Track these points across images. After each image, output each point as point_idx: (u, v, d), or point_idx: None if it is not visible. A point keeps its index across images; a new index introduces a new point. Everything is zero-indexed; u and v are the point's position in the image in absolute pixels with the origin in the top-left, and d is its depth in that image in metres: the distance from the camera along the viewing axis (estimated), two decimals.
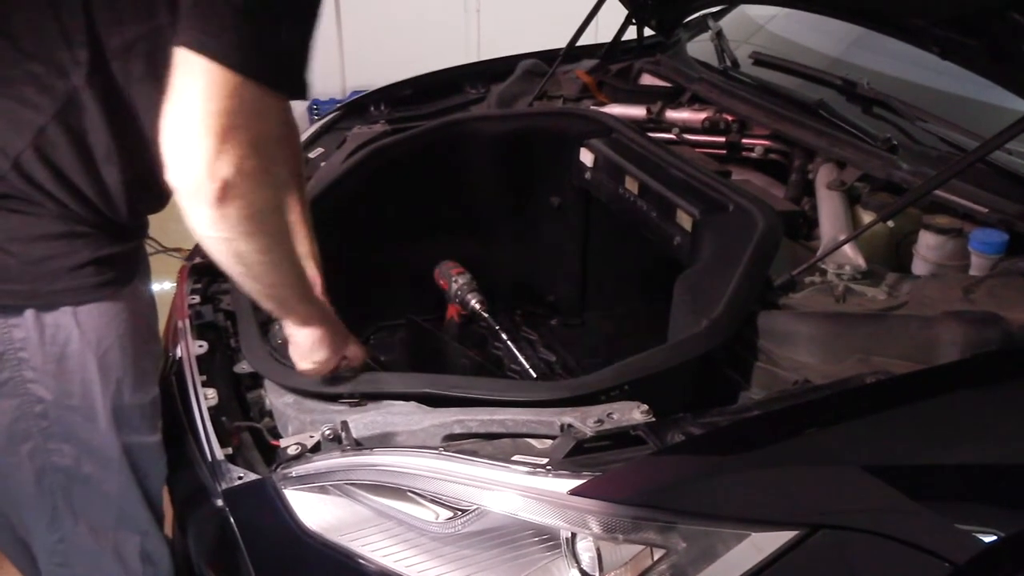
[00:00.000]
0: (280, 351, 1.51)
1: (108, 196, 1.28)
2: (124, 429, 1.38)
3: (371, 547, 1.19)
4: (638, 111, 2.28)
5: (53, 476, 1.38)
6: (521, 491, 1.12)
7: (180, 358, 1.63)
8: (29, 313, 1.28)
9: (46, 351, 1.31)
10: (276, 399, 1.46)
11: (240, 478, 1.35)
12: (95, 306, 1.31)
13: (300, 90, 1.16)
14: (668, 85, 2.38)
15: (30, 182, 1.23)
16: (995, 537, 1.14)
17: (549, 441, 1.24)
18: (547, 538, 1.12)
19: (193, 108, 1.05)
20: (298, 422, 1.40)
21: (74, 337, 1.31)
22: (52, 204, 1.25)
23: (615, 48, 2.58)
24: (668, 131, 2.23)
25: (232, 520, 1.31)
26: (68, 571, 1.46)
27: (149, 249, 1.54)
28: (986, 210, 1.63)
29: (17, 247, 1.25)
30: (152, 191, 1.31)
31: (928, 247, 1.63)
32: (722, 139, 2.16)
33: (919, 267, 1.65)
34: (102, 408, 1.35)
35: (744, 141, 2.13)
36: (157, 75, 1.16)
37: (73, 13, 1.20)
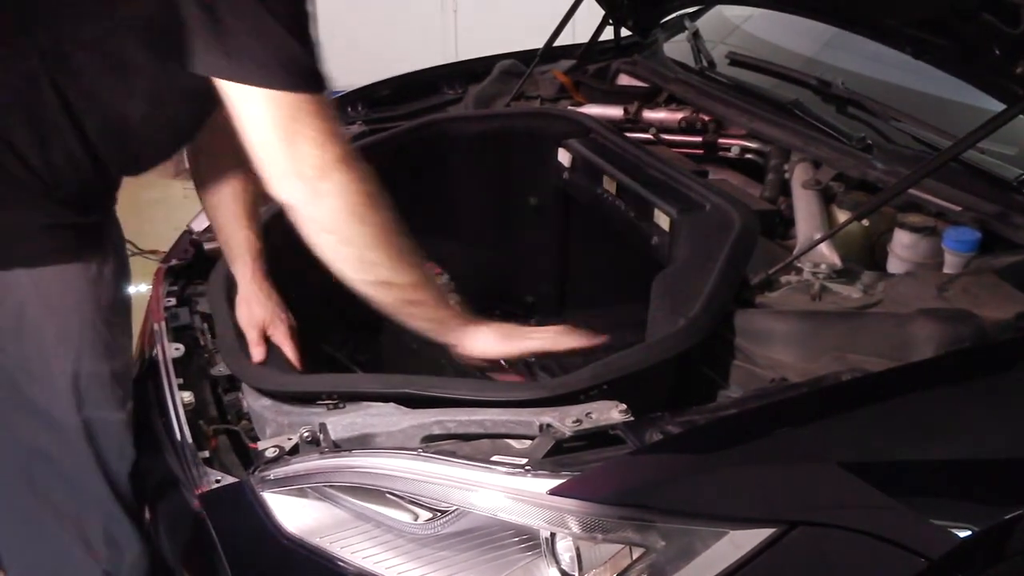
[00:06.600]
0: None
1: (55, 173, 1.29)
2: (84, 401, 1.37)
3: (350, 549, 1.19)
4: (615, 111, 2.29)
5: (12, 450, 1.37)
6: (500, 491, 1.12)
7: (156, 361, 1.62)
8: None
9: (4, 314, 1.30)
10: (253, 402, 1.45)
11: (218, 481, 1.34)
12: (52, 271, 1.31)
13: (322, 83, 1.25)
14: (645, 85, 2.39)
15: None
16: (969, 532, 1.16)
17: (528, 441, 1.24)
18: (527, 538, 1.12)
19: (254, 130, 1.22)
20: (276, 424, 1.39)
21: (31, 301, 1.30)
22: (2, 172, 1.26)
23: (592, 48, 2.58)
24: (645, 131, 2.24)
25: (209, 523, 1.30)
26: (31, 548, 1.45)
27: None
28: (959, 208, 1.65)
29: None
30: (99, 176, 1.33)
31: (902, 245, 1.64)
32: (699, 139, 2.17)
33: (894, 265, 1.66)
34: (60, 375, 1.34)
35: (720, 141, 2.14)
36: (114, 68, 1.25)
37: (38, 2, 1.24)
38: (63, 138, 1.27)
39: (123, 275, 1.47)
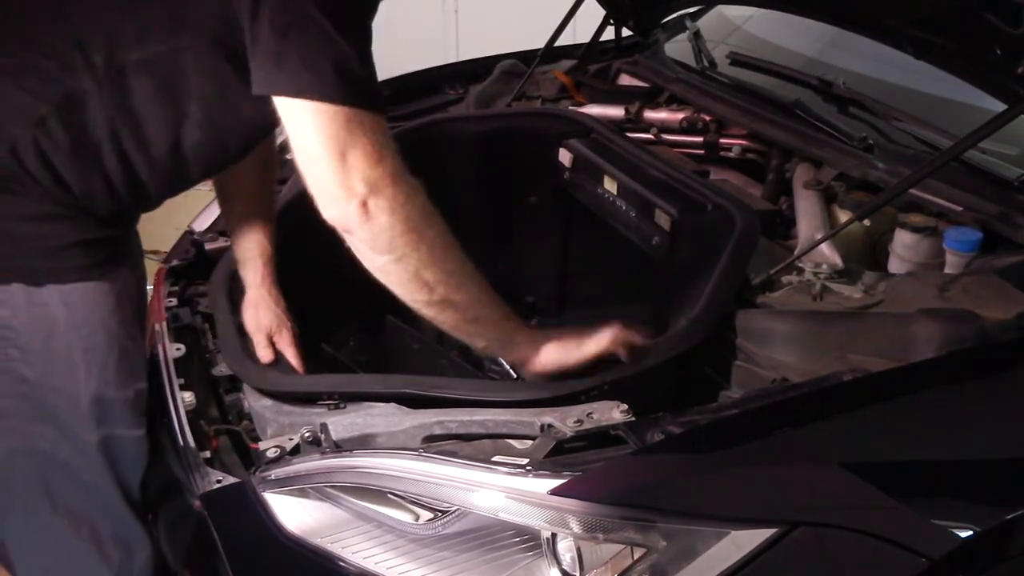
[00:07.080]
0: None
1: (90, 193, 1.29)
2: (105, 419, 1.37)
3: (351, 549, 1.19)
4: (616, 111, 2.29)
5: (28, 459, 1.37)
6: (502, 492, 1.12)
7: (157, 361, 1.61)
8: (16, 290, 1.28)
9: (33, 330, 1.30)
10: (255, 402, 1.45)
11: (219, 481, 1.34)
12: (81, 287, 1.31)
13: (379, 101, 1.24)
14: (646, 85, 2.39)
15: (21, 166, 1.25)
16: (970, 532, 1.16)
17: (529, 441, 1.24)
18: (528, 538, 1.12)
19: (308, 144, 1.18)
20: (277, 425, 1.39)
21: (61, 317, 1.30)
22: (37, 187, 1.26)
23: (593, 48, 2.58)
24: (646, 131, 2.24)
25: (211, 523, 1.30)
26: (44, 552, 1.45)
27: None
28: (960, 208, 1.65)
29: (5, 225, 1.27)
30: (135, 197, 1.34)
31: (904, 245, 1.64)
32: (700, 139, 2.17)
33: (895, 265, 1.66)
34: (84, 393, 1.34)
35: (722, 141, 2.15)
36: (169, 94, 1.25)
37: (93, 20, 1.25)
38: (101, 156, 1.27)
39: (144, 288, 1.47)
